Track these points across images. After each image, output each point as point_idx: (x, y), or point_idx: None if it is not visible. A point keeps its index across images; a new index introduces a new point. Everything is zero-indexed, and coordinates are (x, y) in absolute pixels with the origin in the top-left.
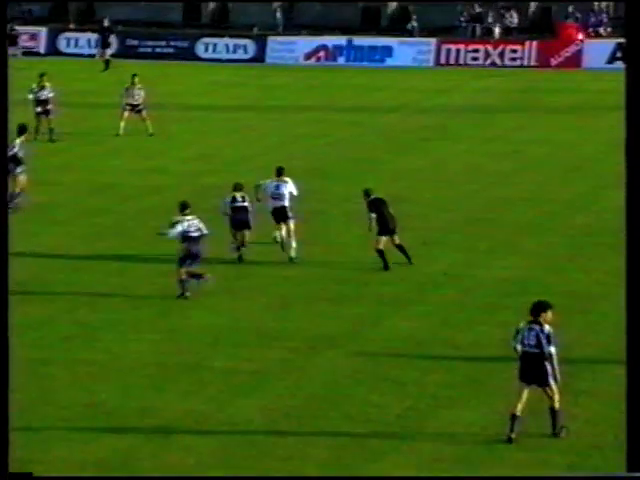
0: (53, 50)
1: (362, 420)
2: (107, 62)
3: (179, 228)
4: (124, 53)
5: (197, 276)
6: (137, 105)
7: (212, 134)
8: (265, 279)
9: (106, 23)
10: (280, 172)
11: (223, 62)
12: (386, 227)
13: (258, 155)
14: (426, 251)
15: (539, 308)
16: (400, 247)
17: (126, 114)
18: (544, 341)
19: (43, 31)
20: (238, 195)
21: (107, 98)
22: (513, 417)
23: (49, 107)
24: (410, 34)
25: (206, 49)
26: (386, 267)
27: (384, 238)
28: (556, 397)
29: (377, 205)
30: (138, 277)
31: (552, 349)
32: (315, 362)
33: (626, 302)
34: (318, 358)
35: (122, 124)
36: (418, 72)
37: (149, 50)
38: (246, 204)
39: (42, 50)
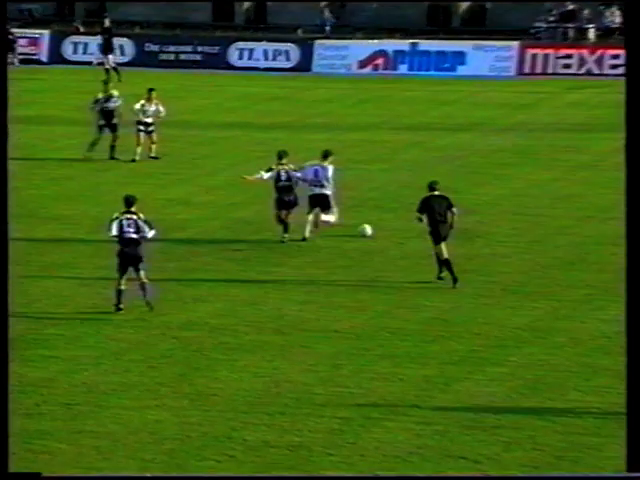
0: (57, 57)
1: None
2: (116, 70)
3: (113, 227)
4: (142, 60)
5: (142, 288)
6: (150, 124)
7: (245, 158)
8: (311, 333)
9: (107, 23)
10: (326, 155)
11: (260, 71)
12: (436, 234)
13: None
14: (505, 300)
15: None
16: (447, 263)
17: (142, 136)
18: None
19: (45, 35)
20: (282, 171)
21: (124, 115)
22: None
23: (114, 121)
24: (534, 37)
25: (240, 56)
26: (439, 277)
27: (442, 246)
28: None
29: (428, 205)
30: (156, 331)
31: None
32: (371, 435)
33: (626, 301)
34: (375, 430)
35: (138, 149)
36: (496, 83)
37: (171, 57)
38: (290, 183)
39: (44, 58)
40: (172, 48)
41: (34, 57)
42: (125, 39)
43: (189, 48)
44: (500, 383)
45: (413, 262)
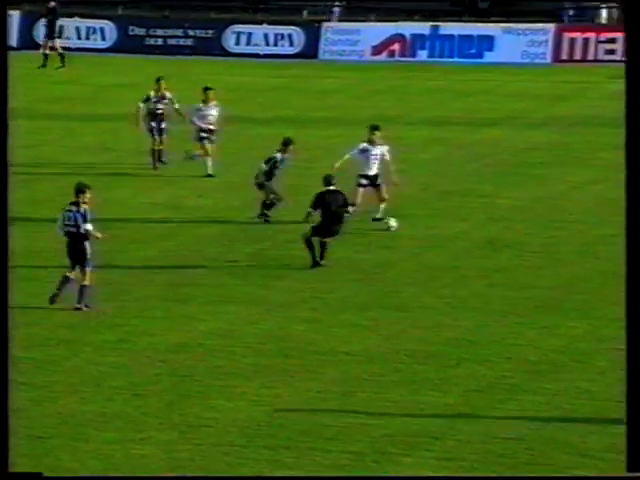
0: (29, 42)
1: None
2: (61, 56)
3: (58, 222)
4: (126, 46)
5: (80, 290)
6: (212, 131)
7: (242, 156)
8: (317, 356)
9: (52, 3)
10: (375, 129)
11: (260, 58)
12: (326, 231)
13: (304, 186)
14: (538, 318)
15: None
16: (324, 246)
17: (207, 146)
18: None
19: (15, 16)
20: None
21: (105, 107)
22: None
23: (163, 125)
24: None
25: (237, 40)
26: (315, 262)
27: (316, 239)
28: None
29: (323, 201)
30: (141, 354)
31: None
32: (386, 472)
33: (626, 300)
34: (390, 467)
35: (209, 161)
36: (529, 71)
37: (160, 42)
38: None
39: (14, 42)
40: (160, 32)
41: None
42: (106, 21)
43: (179, 32)
44: (534, 414)
45: (432, 275)
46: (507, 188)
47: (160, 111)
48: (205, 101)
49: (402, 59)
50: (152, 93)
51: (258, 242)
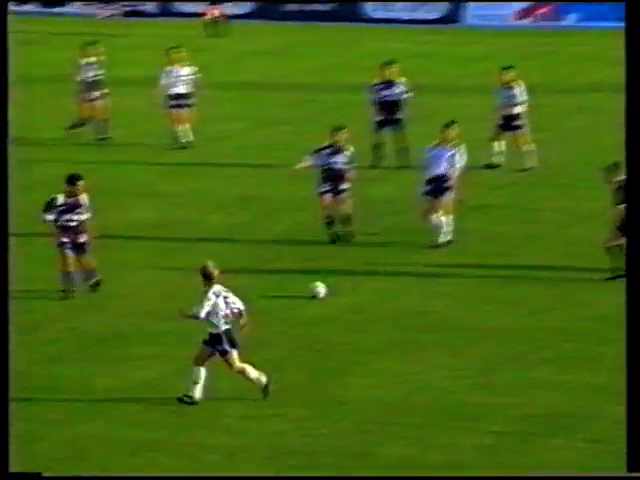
0: (165, 8)
1: None
2: (215, 22)
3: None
4: (262, 12)
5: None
6: (516, 116)
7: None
8: (458, 332)
9: None
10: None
11: (401, 24)
12: None
13: None
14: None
15: None
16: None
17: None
18: None
19: None
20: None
21: (247, 75)
22: None
23: (400, 116)
24: None
25: (376, 6)
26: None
27: None
28: None
29: None
30: (280, 326)
31: None
32: (534, 453)
33: (626, 300)
34: (537, 447)
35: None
36: None
37: (294, 8)
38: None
39: (151, 8)
40: None
41: (138, 8)
42: None
43: None
44: None
45: (581, 249)
46: None
47: (391, 99)
48: (508, 83)
49: (548, 24)
50: (375, 80)
51: (400, 214)
